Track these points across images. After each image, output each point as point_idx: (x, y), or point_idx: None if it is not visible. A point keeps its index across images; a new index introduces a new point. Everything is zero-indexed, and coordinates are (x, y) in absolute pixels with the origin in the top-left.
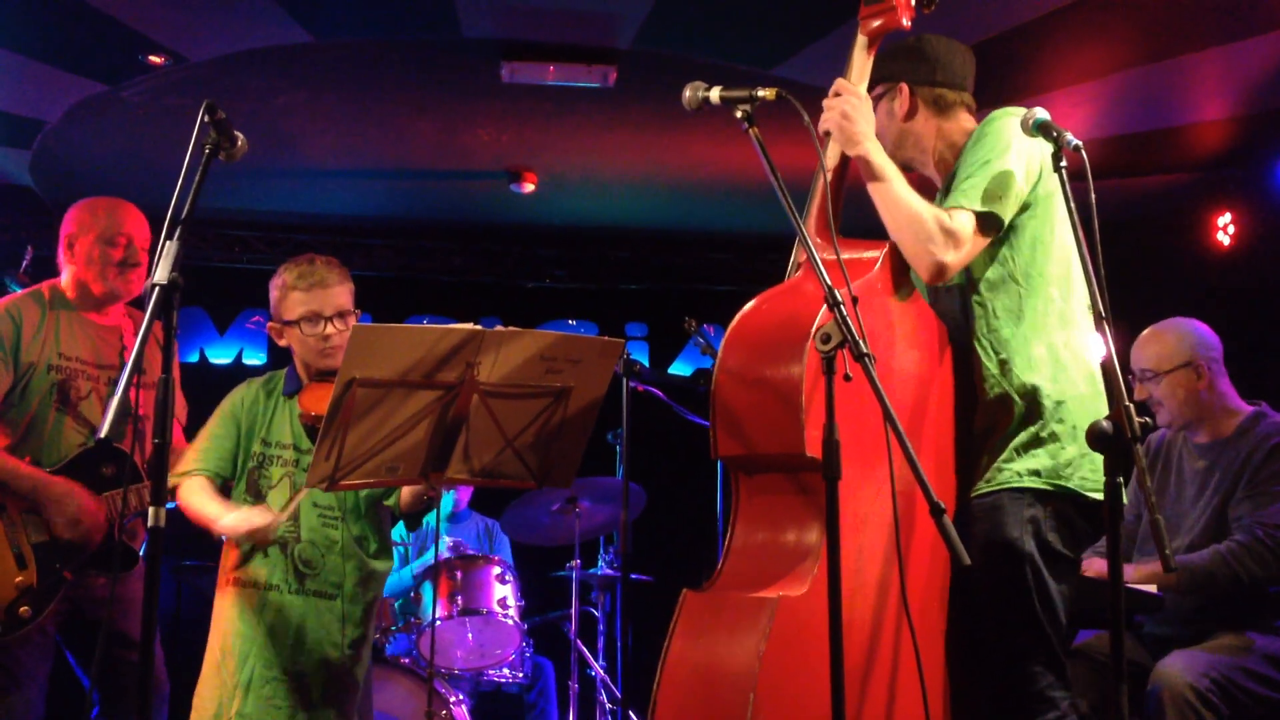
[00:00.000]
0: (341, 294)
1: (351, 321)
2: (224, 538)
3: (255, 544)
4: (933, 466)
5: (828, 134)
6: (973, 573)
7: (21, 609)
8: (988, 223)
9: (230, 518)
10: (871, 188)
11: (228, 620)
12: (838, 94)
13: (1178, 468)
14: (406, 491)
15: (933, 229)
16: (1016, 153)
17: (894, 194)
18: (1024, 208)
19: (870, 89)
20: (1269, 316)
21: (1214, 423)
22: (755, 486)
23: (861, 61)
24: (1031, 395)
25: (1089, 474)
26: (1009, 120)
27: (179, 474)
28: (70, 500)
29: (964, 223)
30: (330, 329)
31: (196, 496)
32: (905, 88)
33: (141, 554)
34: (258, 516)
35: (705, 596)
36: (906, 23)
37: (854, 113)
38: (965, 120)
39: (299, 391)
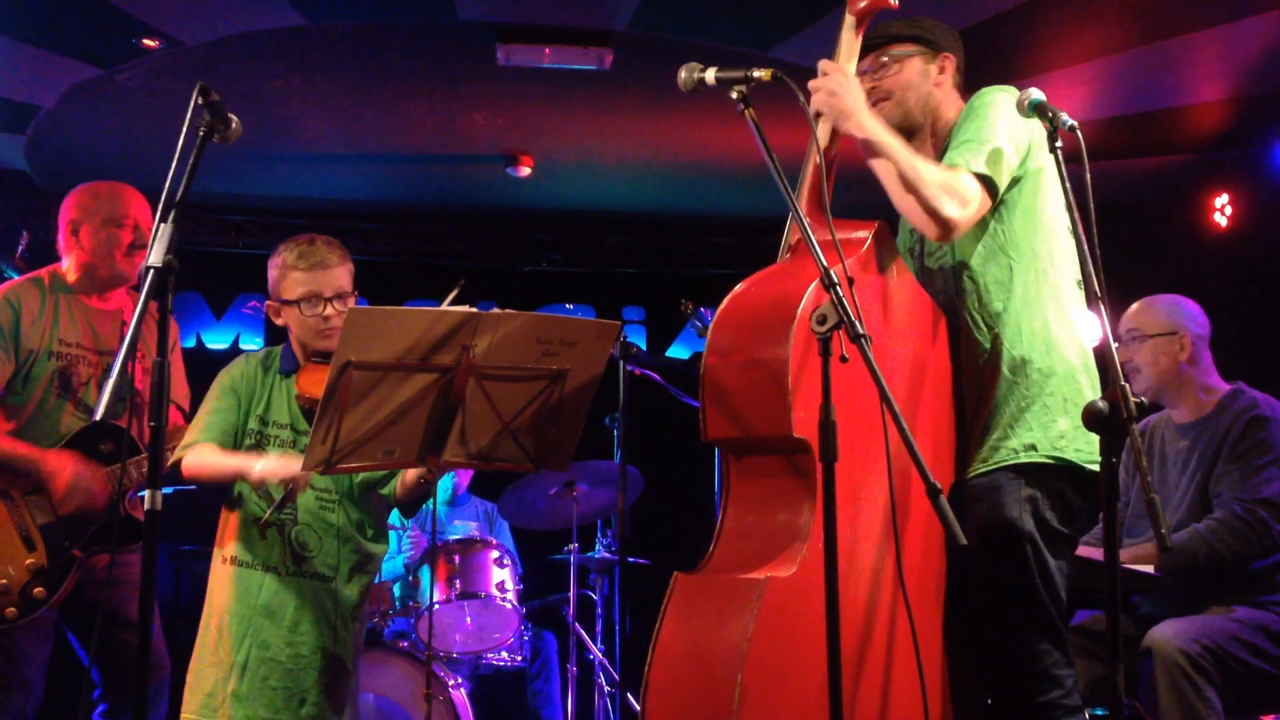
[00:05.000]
0: (341, 275)
1: (350, 303)
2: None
3: (291, 488)
4: (930, 447)
5: (819, 114)
6: (973, 553)
7: (36, 590)
8: (988, 186)
9: (264, 463)
10: (873, 157)
11: (224, 600)
12: (824, 74)
13: (1160, 450)
14: (407, 478)
15: (940, 187)
16: (1006, 126)
17: (898, 156)
18: (1013, 182)
19: (894, 45)
20: (1266, 297)
21: (1194, 400)
22: (746, 468)
23: (849, 41)
24: (1021, 368)
25: (1084, 445)
26: (998, 95)
27: (182, 445)
28: (65, 470)
29: (969, 182)
30: (330, 310)
31: (212, 456)
32: (953, 59)
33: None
34: (292, 460)
35: (696, 579)
36: (894, 2)
37: (839, 89)
38: (961, 103)
39: (296, 371)
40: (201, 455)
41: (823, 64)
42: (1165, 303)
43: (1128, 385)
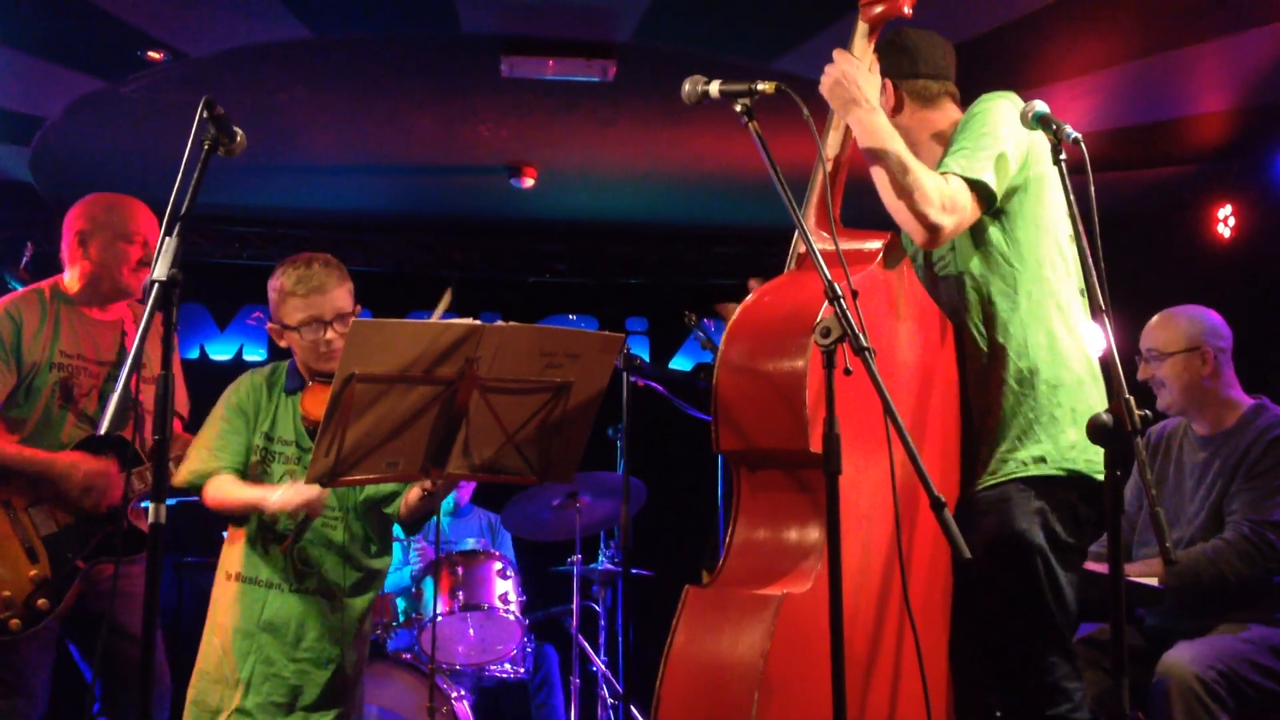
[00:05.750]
0: (340, 296)
1: (351, 322)
2: (225, 534)
3: (308, 515)
4: (938, 458)
5: (830, 113)
6: (982, 566)
7: (39, 601)
8: (981, 193)
9: (280, 494)
10: (867, 151)
11: (228, 617)
12: (836, 62)
13: (1178, 459)
14: (409, 498)
15: (929, 191)
16: (1006, 133)
17: (890, 156)
18: (1015, 190)
19: None
20: (1269, 308)
21: (1216, 413)
22: (757, 482)
23: (862, 49)
24: (1028, 380)
25: (1094, 455)
26: (999, 101)
27: (200, 473)
28: (78, 468)
29: (959, 188)
30: (330, 333)
31: (233, 488)
32: (889, 83)
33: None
34: (306, 488)
35: (708, 593)
36: (908, 10)
37: (847, 79)
38: (952, 111)
39: (301, 390)
40: (222, 487)
41: (837, 52)
42: (1184, 317)
43: (1131, 398)
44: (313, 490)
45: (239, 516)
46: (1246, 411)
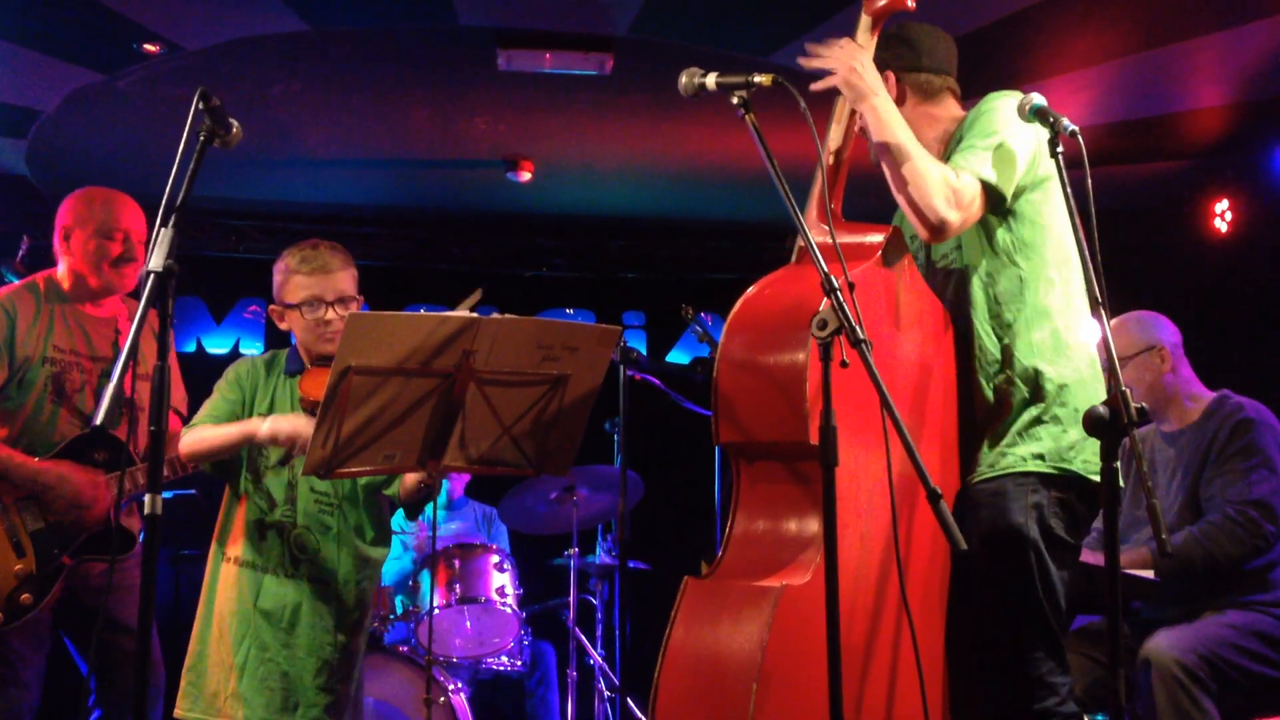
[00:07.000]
0: (344, 279)
1: (353, 308)
2: (225, 544)
3: (294, 452)
4: (937, 451)
5: (834, 106)
6: (975, 558)
7: (23, 596)
8: (990, 192)
9: (269, 424)
10: (878, 143)
11: (225, 601)
12: (844, 49)
13: (1150, 460)
14: (407, 481)
15: (938, 185)
16: (1016, 133)
17: (902, 147)
18: (1022, 190)
19: None
20: (1266, 303)
21: (1180, 410)
22: (756, 474)
23: (866, 43)
24: (1034, 379)
25: (1091, 457)
26: (1008, 100)
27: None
28: (66, 483)
29: (969, 184)
30: (330, 314)
31: (213, 429)
32: (891, 75)
33: (140, 538)
34: (295, 416)
35: (707, 584)
36: (911, 3)
37: (861, 67)
38: (953, 107)
39: (300, 373)
40: (199, 433)
41: (847, 41)
42: (1135, 321)
43: (1129, 390)
44: (301, 418)
45: (231, 492)
46: (1210, 403)
